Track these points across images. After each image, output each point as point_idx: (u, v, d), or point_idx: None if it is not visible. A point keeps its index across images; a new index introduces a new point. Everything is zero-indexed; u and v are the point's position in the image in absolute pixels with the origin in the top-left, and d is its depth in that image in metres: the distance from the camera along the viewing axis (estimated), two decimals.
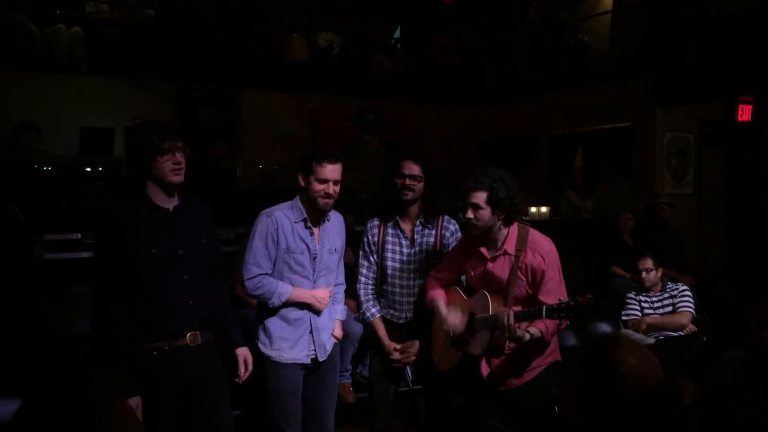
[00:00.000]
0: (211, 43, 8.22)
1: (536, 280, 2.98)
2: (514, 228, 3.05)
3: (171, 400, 2.75)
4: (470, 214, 2.97)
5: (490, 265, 3.07)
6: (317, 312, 3.24)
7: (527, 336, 2.85)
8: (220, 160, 7.45)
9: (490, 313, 2.97)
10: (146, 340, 2.70)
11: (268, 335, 3.21)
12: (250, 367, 3.00)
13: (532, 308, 2.84)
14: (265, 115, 8.68)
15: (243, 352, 2.99)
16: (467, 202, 2.98)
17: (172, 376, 2.73)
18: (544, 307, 2.75)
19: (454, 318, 3.16)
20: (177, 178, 2.74)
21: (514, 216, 3.02)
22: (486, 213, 2.95)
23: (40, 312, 4.17)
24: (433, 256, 3.45)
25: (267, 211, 3.21)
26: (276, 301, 3.14)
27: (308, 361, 3.22)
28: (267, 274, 3.16)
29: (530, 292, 3.00)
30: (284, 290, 3.14)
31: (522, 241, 3.01)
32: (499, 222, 3.00)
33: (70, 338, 4.04)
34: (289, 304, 3.18)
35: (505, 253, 3.03)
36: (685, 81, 7.24)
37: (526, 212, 7.16)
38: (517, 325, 2.82)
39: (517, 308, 2.97)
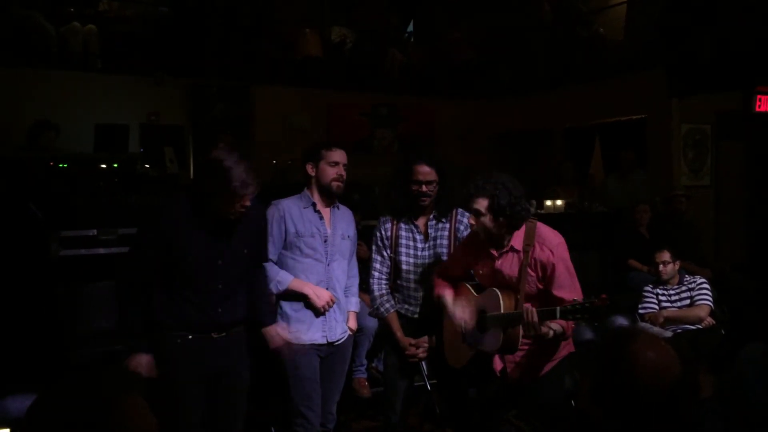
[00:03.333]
0: (224, 38, 8.24)
1: (546, 274, 2.94)
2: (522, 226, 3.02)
3: (193, 387, 2.83)
4: (472, 220, 2.96)
5: (498, 262, 3.04)
6: (334, 293, 3.36)
7: (551, 333, 2.81)
8: None
9: (502, 311, 2.94)
10: (171, 327, 2.80)
11: (286, 319, 3.31)
12: (283, 337, 3.11)
13: (545, 308, 2.80)
14: (278, 111, 8.70)
15: (272, 329, 3.11)
16: (470, 208, 2.96)
17: (194, 364, 2.81)
18: (558, 309, 2.71)
19: (461, 314, 3.14)
20: (235, 217, 2.82)
21: (518, 222, 2.96)
22: (487, 220, 2.92)
23: (56, 308, 4.20)
24: (447, 251, 3.43)
25: (275, 201, 3.36)
26: (274, 288, 3.25)
27: (324, 341, 3.33)
28: (270, 261, 3.28)
29: (540, 287, 2.96)
30: (283, 278, 3.26)
31: (530, 237, 2.97)
32: (503, 228, 2.96)
33: (86, 334, 4.07)
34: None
35: (512, 249, 3.00)
36: (701, 71, 7.15)
37: (542, 206, 7.12)
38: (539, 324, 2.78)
39: (528, 305, 2.95)
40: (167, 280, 2.80)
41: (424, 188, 3.34)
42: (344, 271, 3.45)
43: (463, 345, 3.20)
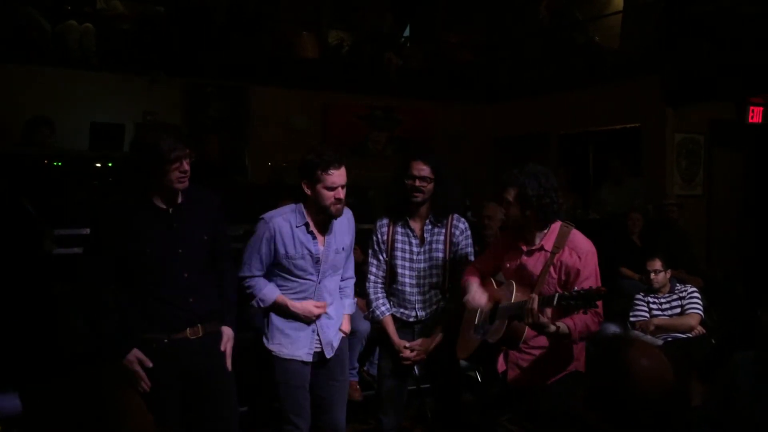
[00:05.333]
0: (221, 38, 8.24)
1: (569, 279, 2.91)
2: (556, 226, 3.00)
3: (172, 391, 2.78)
4: (503, 210, 3.01)
5: (524, 258, 3.04)
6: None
7: (552, 327, 2.76)
8: (211, 154, 7.38)
9: (512, 301, 2.94)
10: (144, 331, 2.74)
11: (271, 330, 3.23)
12: (230, 345, 2.96)
13: (546, 296, 2.78)
14: (275, 111, 8.71)
15: (227, 331, 2.96)
16: (502, 198, 3.00)
17: (171, 367, 2.76)
18: (556, 295, 2.69)
19: (479, 299, 3.12)
20: (182, 185, 2.74)
21: (548, 216, 2.95)
22: (515, 210, 2.95)
23: (52, 306, 4.19)
24: (442, 255, 3.45)
25: (267, 216, 3.19)
26: (255, 303, 3.18)
27: (308, 359, 3.21)
28: (257, 276, 3.18)
29: (560, 291, 2.89)
30: (266, 296, 3.15)
31: (561, 240, 2.95)
32: (531, 222, 2.97)
33: (80, 332, 4.06)
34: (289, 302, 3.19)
35: (542, 248, 2.99)
36: (696, 81, 7.20)
37: None
38: (540, 312, 2.73)
39: (533, 295, 2.92)
40: (132, 280, 2.74)
41: (417, 183, 3.35)
42: (336, 282, 3.34)
43: (473, 335, 3.21)
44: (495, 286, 3.23)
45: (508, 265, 3.15)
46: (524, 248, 3.04)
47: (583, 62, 8.63)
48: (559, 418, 2.89)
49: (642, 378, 1.54)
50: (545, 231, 3.00)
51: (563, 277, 2.94)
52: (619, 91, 7.98)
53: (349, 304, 3.44)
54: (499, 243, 3.29)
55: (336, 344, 3.30)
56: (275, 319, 3.22)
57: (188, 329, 2.80)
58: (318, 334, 3.23)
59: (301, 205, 3.18)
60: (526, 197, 2.89)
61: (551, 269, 2.95)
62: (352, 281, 3.52)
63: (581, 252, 2.92)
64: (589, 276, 2.89)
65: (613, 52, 8.50)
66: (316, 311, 3.17)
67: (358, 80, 9.21)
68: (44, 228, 4.42)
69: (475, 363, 3.26)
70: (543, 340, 3.02)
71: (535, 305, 2.70)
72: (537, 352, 3.06)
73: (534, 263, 3.01)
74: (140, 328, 2.73)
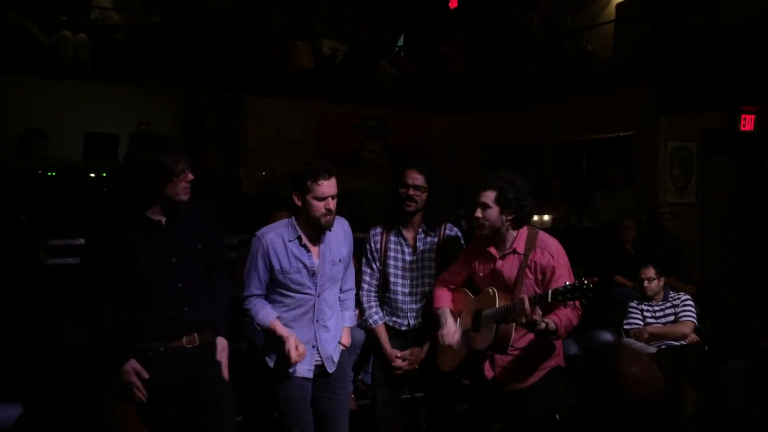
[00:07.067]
0: (217, 49, 8.26)
1: (546, 278, 3.00)
2: (524, 230, 3.10)
3: (169, 400, 2.78)
4: (479, 213, 3.04)
5: (498, 263, 3.10)
6: (323, 324, 3.24)
7: (542, 325, 2.81)
8: (211, 166, 7.39)
9: (497, 306, 2.97)
10: (141, 341, 2.75)
11: (272, 349, 3.20)
12: (225, 355, 2.97)
13: (538, 294, 2.83)
14: (270, 121, 8.72)
15: (221, 341, 2.98)
16: (477, 201, 3.04)
17: (168, 376, 2.77)
18: (550, 291, 2.73)
19: (451, 337, 3.21)
20: (187, 196, 2.79)
21: (523, 219, 3.06)
22: (494, 212, 3.02)
23: (46, 317, 4.18)
24: (435, 264, 3.47)
25: (260, 232, 3.18)
26: (254, 326, 3.20)
27: (309, 375, 3.20)
28: (256, 295, 3.17)
29: (538, 291, 2.99)
30: (263, 320, 3.12)
31: (531, 241, 3.05)
32: (507, 223, 3.05)
33: (77, 343, 4.05)
34: (291, 320, 3.17)
35: (514, 252, 3.07)
36: (688, 89, 7.25)
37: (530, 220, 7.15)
38: (531, 310, 2.77)
39: (522, 295, 2.95)
40: (127, 291, 2.76)
41: (411, 192, 3.38)
42: (336, 295, 3.32)
43: (455, 348, 3.23)
44: (471, 295, 3.26)
45: (480, 274, 3.21)
46: (497, 254, 3.12)
47: (575, 71, 8.68)
48: (549, 423, 2.92)
49: (632, 386, 1.55)
50: (515, 235, 3.08)
51: (539, 276, 3.03)
52: (612, 99, 8.02)
53: (349, 316, 3.41)
54: (469, 252, 3.32)
55: (336, 358, 3.28)
56: (275, 341, 3.17)
57: (184, 338, 2.82)
58: (318, 349, 3.21)
59: (293, 219, 3.17)
60: (506, 199, 2.99)
61: (527, 270, 3.03)
62: (353, 293, 3.49)
63: (553, 251, 3.04)
64: (564, 273, 3.00)
65: (606, 61, 8.56)
66: (294, 354, 3.05)
67: (352, 90, 9.24)
68: (39, 239, 4.42)
69: (462, 374, 3.27)
70: (525, 341, 3.09)
71: (527, 305, 2.75)
72: (521, 353, 3.12)
73: (509, 267, 3.08)
74: (136, 337, 2.75)
